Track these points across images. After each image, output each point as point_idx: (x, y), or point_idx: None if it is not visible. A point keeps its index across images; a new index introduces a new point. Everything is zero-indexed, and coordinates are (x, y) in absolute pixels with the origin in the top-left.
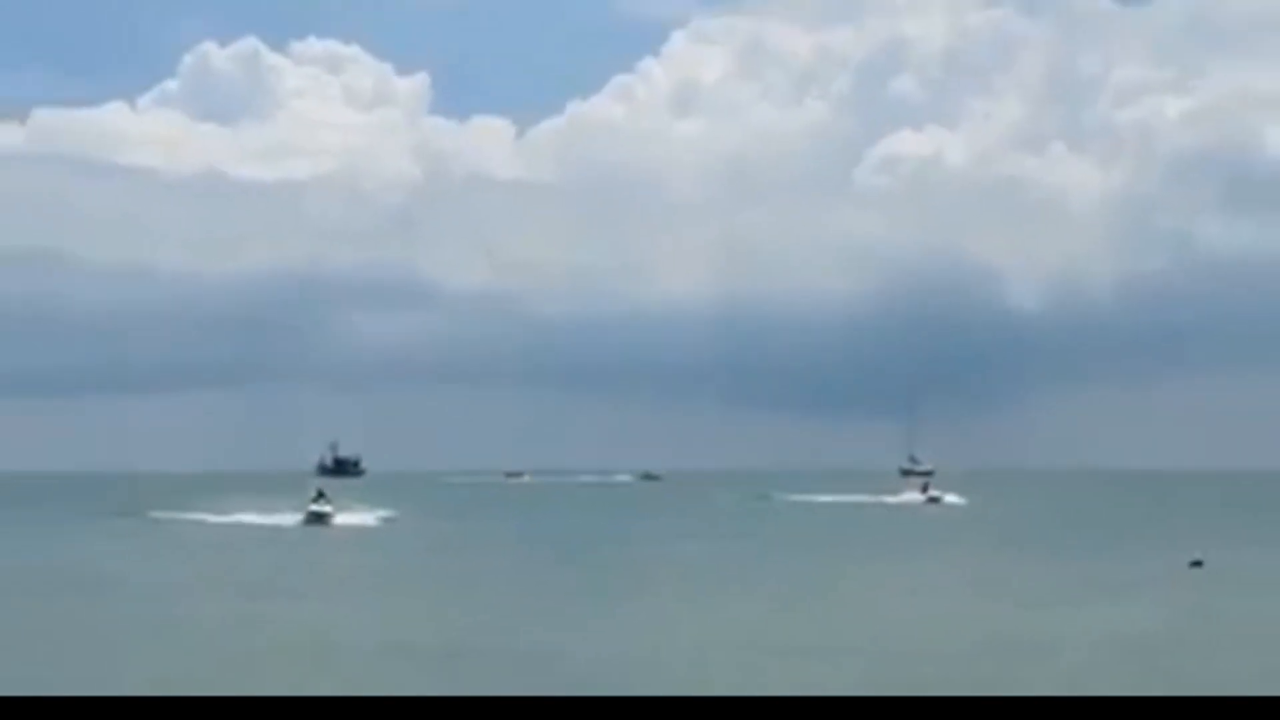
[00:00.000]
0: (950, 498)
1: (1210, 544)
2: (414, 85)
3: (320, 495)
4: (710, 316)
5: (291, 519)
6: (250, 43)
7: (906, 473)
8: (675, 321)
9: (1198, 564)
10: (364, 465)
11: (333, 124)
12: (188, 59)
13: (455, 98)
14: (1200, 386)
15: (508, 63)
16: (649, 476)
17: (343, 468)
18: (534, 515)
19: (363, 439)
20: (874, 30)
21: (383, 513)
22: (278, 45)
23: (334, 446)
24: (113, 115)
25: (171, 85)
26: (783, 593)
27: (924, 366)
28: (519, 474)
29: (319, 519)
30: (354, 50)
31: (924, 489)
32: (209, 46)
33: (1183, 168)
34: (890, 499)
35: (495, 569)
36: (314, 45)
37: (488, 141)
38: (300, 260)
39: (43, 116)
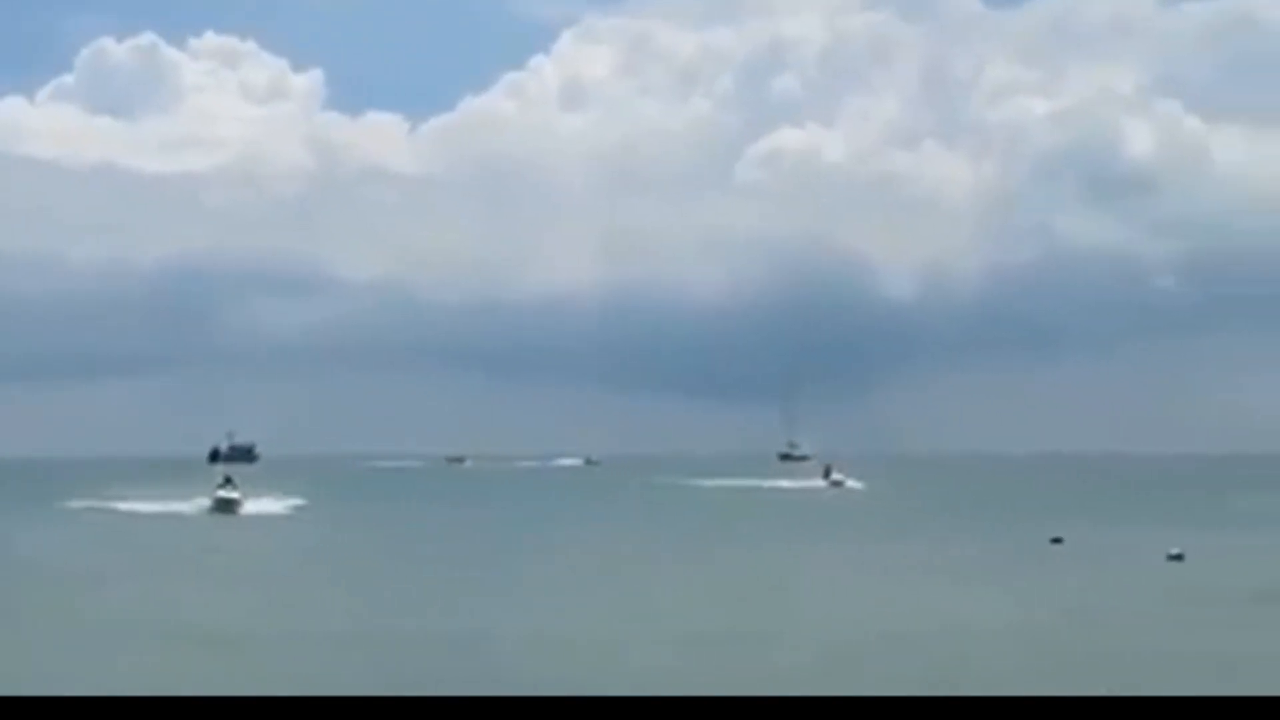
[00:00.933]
0: (851, 482)
1: (1071, 523)
2: (309, 81)
3: (228, 481)
4: (596, 304)
5: (197, 506)
6: (148, 38)
7: (785, 457)
8: (563, 309)
9: (1058, 541)
10: (259, 452)
11: (230, 118)
12: (85, 53)
13: (349, 94)
14: (1063, 373)
15: (401, 60)
16: (591, 462)
17: (237, 454)
18: (442, 501)
19: (263, 425)
20: (755, 31)
21: (293, 500)
22: (175, 40)
23: (230, 434)
24: (10, 109)
25: (68, 79)
26: (730, 581)
27: (802, 354)
28: (461, 459)
29: (227, 506)
30: (250, 46)
31: (826, 474)
32: (106, 42)
33: (1048, 164)
34: (795, 484)
35: (403, 557)
36: (211, 40)
37: (381, 136)
38: (200, 251)
39: None
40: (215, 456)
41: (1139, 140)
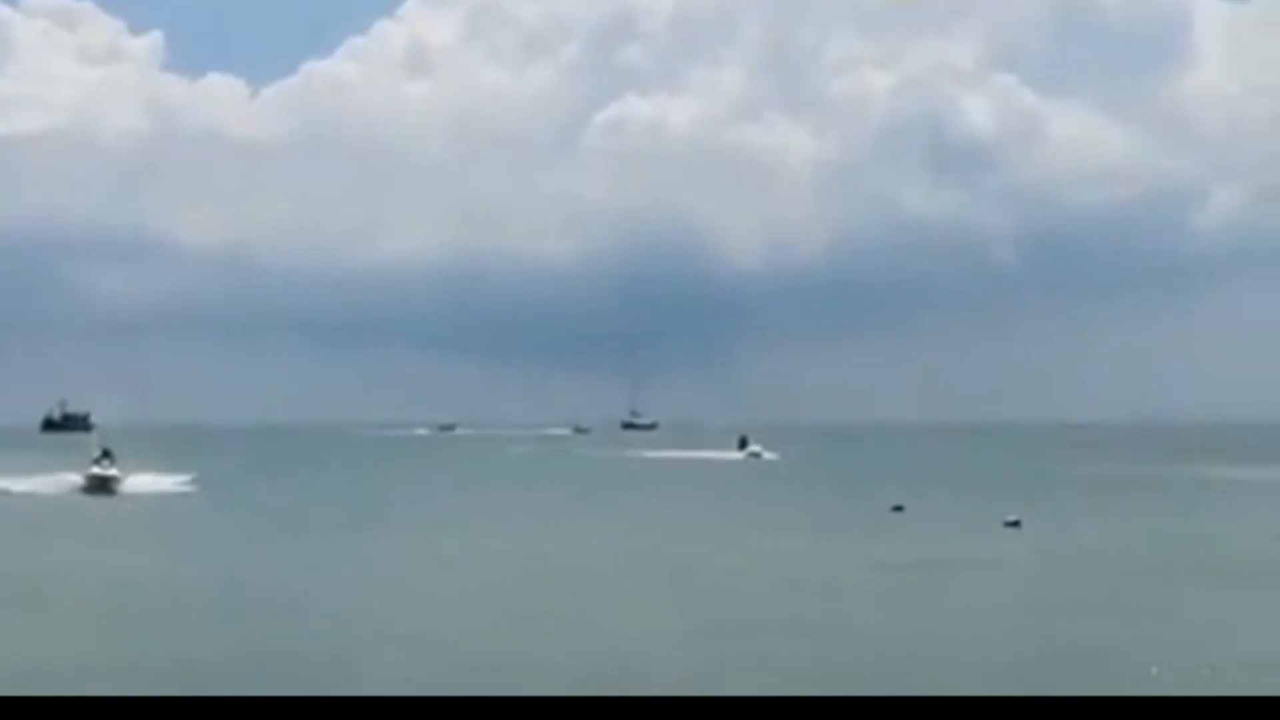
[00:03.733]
0: (768, 454)
1: (913, 491)
2: (147, 43)
3: (105, 455)
4: (442, 272)
5: (65, 484)
6: None
7: (629, 425)
8: (410, 276)
9: (899, 509)
10: (94, 421)
11: (65, 79)
12: None
13: (188, 56)
14: (907, 342)
15: (241, 22)
16: (580, 430)
17: (71, 423)
18: (353, 475)
19: (96, 393)
20: None
21: (179, 476)
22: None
23: (63, 403)
24: None
25: None
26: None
27: (648, 323)
28: (451, 426)
29: (103, 485)
30: (87, 6)
31: (741, 445)
32: None
33: (889, 136)
34: (717, 454)
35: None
36: (46, 0)
37: (221, 99)
38: (33, 214)
39: None
40: (50, 425)
41: (977, 114)
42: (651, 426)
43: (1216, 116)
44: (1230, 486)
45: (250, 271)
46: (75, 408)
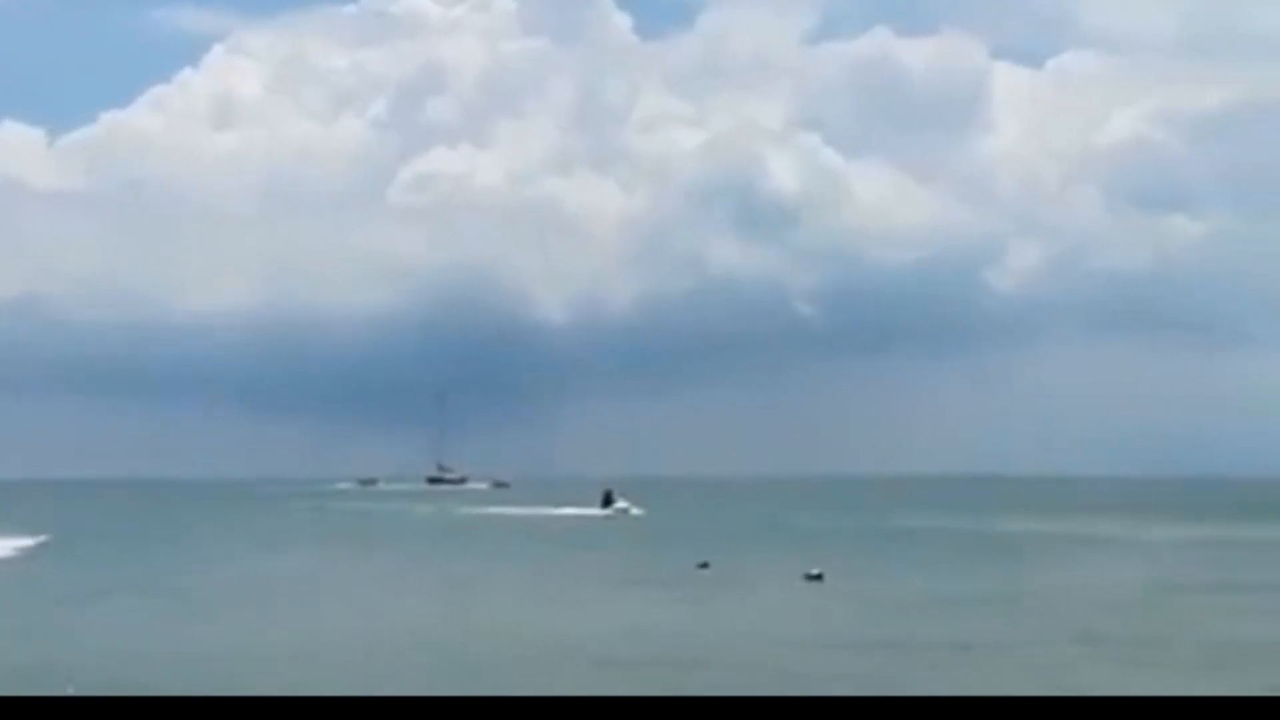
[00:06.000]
0: (635, 510)
1: (719, 549)
2: None
3: None
4: (246, 326)
5: None
6: None
7: (435, 480)
8: (212, 331)
9: (704, 565)
10: None
11: None
12: None
13: None
14: (714, 398)
15: (40, 70)
16: (500, 484)
17: None
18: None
19: None
20: (412, 52)
21: (20, 541)
22: None
23: None
24: None
25: None
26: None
27: (454, 377)
28: (373, 481)
29: None
30: None
31: (606, 501)
32: None
33: (697, 193)
34: (584, 511)
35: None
36: None
37: (18, 149)
38: None
39: None
40: None
41: (783, 173)
42: (461, 480)
43: (1013, 178)
44: (1023, 539)
45: (47, 325)
46: None
